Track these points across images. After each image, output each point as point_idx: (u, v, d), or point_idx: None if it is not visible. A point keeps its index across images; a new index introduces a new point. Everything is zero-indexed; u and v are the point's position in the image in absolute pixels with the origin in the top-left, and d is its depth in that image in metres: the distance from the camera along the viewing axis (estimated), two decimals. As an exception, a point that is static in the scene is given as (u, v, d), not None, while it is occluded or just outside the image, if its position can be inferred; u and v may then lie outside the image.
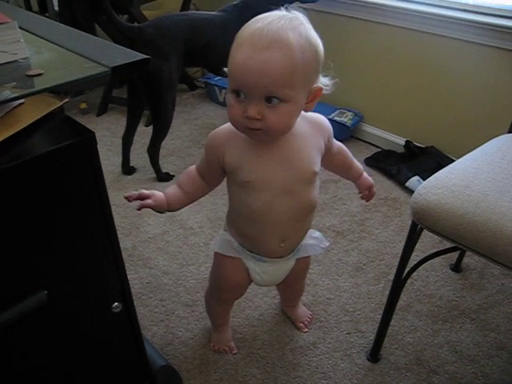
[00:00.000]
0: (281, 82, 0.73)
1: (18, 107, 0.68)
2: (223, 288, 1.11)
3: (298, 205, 0.91)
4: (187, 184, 0.96)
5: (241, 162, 0.86)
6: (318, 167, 0.89)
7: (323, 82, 0.82)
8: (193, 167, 0.97)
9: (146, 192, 0.92)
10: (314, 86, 0.80)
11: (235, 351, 1.19)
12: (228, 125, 0.85)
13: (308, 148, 0.88)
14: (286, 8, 0.79)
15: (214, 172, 0.92)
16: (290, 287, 1.20)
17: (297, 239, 1.00)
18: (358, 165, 1.08)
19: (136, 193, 0.92)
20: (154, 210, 0.95)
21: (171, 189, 0.96)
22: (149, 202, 0.92)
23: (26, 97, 0.60)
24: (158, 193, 0.93)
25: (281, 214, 0.90)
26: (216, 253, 1.05)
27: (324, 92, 0.82)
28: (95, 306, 0.83)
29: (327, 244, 1.09)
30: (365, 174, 1.09)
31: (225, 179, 0.94)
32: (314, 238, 1.06)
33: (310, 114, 0.90)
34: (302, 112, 0.84)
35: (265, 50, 0.71)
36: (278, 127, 0.78)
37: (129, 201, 0.92)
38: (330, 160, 0.98)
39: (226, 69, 0.81)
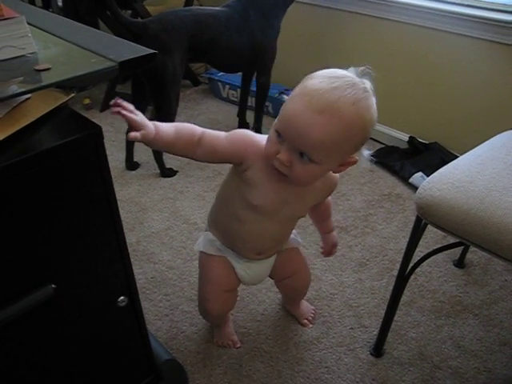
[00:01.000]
0: (317, 149, 0.76)
1: (24, 102, 0.69)
2: (212, 297, 1.09)
3: (281, 232, 1.01)
4: (184, 135, 0.84)
5: (258, 183, 0.88)
6: (305, 214, 0.99)
7: (363, 153, 0.84)
8: (199, 129, 0.86)
9: (137, 121, 0.78)
10: (351, 156, 0.83)
11: (238, 345, 1.20)
12: (264, 139, 0.86)
13: (312, 199, 0.95)
14: (358, 72, 0.81)
15: (221, 158, 0.88)
16: (290, 294, 1.23)
17: (272, 252, 1.07)
18: (332, 222, 1.13)
19: (127, 107, 0.79)
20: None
21: (166, 127, 0.82)
22: (138, 136, 0.78)
23: (33, 91, 0.60)
24: (150, 127, 0.79)
25: (264, 237, 0.99)
26: (201, 252, 1.08)
27: (358, 163, 0.85)
28: (101, 300, 0.84)
29: (300, 241, 1.14)
30: (334, 232, 1.14)
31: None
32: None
33: (331, 175, 0.92)
34: None
35: (316, 113, 0.73)
36: (301, 180, 0.83)
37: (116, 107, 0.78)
38: (315, 205, 1.02)
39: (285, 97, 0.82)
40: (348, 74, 0.79)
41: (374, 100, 0.80)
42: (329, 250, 1.15)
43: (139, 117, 0.78)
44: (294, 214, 0.96)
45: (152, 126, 0.79)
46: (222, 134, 0.88)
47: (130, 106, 0.78)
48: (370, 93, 0.79)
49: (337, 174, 0.93)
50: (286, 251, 1.10)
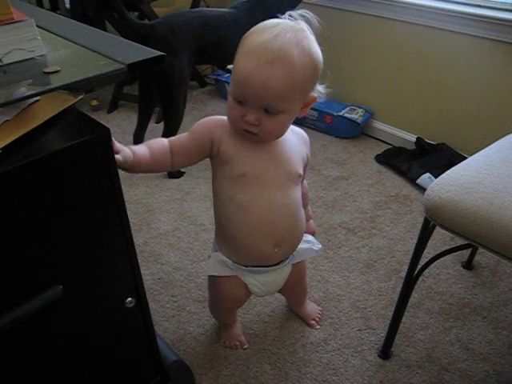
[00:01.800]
0: (280, 97, 0.78)
1: (33, 104, 0.69)
2: (224, 305, 1.13)
3: (287, 202, 0.92)
4: (158, 152, 0.88)
5: (235, 153, 0.88)
6: (301, 171, 0.96)
7: (318, 89, 0.87)
8: (165, 140, 0.90)
9: (116, 145, 0.80)
10: (310, 95, 0.85)
11: (246, 346, 1.20)
12: (222, 117, 0.89)
13: (295, 154, 0.94)
14: (291, 16, 0.82)
15: (196, 153, 0.90)
16: (292, 291, 1.20)
17: (291, 244, 1.00)
18: (309, 210, 1.13)
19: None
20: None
21: (140, 150, 0.85)
22: (117, 156, 0.79)
23: (42, 94, 0.61)
24: (127, 150, 0.82)
25: (272, 211, 0.91)
26: (211, 276, 1.06)
27: (318, 100, 0.88)
28: (109, 301, 0.84)
29: (320, 246, 1.10)
30: (312, 221, 1.15)
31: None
32: (307, 242, 1.07)
33: (297, 128, 0.98)
34: (291, 125, 0.89)
35: (269, 65, 0.75)
36: (273, 134, 0.86)
37: None
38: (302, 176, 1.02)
39: (230, 66, 0.84)
40: (281, 20, 0.81)
41: (313, 37, 0.82)
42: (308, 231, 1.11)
43: (123, 152, 0.81)
44: (289, 168, 0.91)
45: (128, 150, 0.82)
46: (185, 133, 0.92)
47: (115, 146, 0.80)
48: (307, 31, 0.81)
49: (304, 133, 0.98)
50: (298, 263, 1.06)
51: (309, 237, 1.08)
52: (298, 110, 0.85)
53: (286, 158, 0.91)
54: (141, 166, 0.85)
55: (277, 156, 0.90)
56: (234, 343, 1.20)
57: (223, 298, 1.09)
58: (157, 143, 0.89)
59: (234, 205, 0.91)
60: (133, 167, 0.83)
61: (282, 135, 0.88)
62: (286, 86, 0.77)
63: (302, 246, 1.04)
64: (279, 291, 1.19)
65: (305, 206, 1.06)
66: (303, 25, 0.81)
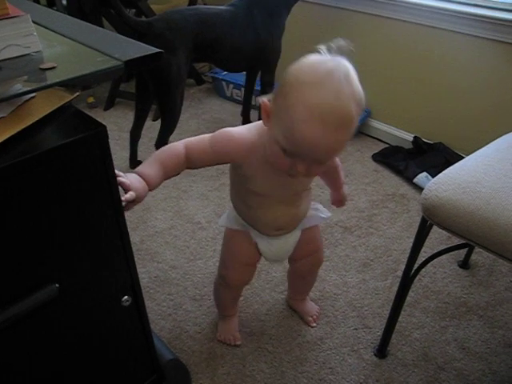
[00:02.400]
0: (340, 153, 0.79)
1: (29, 101, 0.68)
2: (232, 266, 1.12)
3: (290, 207, 1.00)
4: (173, 168, 0.87)
5: (252, 175, 0.91)
6: (310, 185, 1.00)
7: None
8: (181, 147, 0.88)
9: (124, 182, 0.78)
10: None
11: (239, 342, 1.20)
12: (249, 135, 0.87)
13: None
14: (330, 49, 0.78)
15: (214, 164, 0.91)
16: (308, 274, 1.22)
17: (292, 227, 1.06)
18: (342, 178, 1.11)
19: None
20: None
21: (152, 170, 0.84)
22: (127, 196, 0.79)
23: (38, 90, 0.60)
24: (136, 182, 0.80)
25: (277, 216, 0.99)
26: (226, 228, 1.10)
27: None
28: (105, 300, 0.84)
29: (329, 215, 1.12)
30: (345, 186, 1.14)
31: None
32: (315, 210, 1.10)
33: None
34: None
35: (334, 131, 0.72)
36: (316, 175, 0.87)
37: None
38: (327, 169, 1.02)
39: (263, 99, 0.79)
40: (330, 61, 0.76)
41: (354, 72, 0.77)
42: (339, 200, 1.15)
43: (133, 186, 0.79)
44: (297, 189, 0.97)
45: (141, 186, 0.79)
46: (206, 140, 0.89)
47: (123, 183, 0.78)
48: (353, 72, 0.76)
49: None
50: (309, 229, 1.09)
51: (317, 205, 1.11)
52: None
53: (297, 183, 0.94)
54: (158, 183, 0.84)
55: (288, 181, 0.90)
56: (228, 337, 1.20)
57: (234, 252, 1.10)
58: (168, 152, 0.88)
59: (240, 199, 1.01)
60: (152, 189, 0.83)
61: None
62: (346, 143, 0.77)
63: (311, 212, 1.08)
64: (290, 274, 1.25)
65: (338, 189, 1.12)
66: (349, 65, 0.77)
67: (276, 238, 1.06)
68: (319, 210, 1.11)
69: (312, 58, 0.78)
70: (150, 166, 0.84)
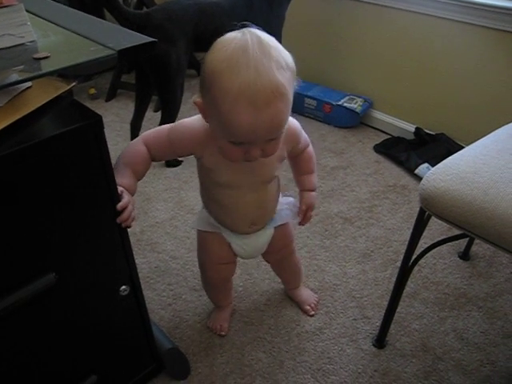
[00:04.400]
0: (283, 125, 0.76)
1: (25, 91, 0.69)
2: (209, 267, 1.12)
3: (260, 198, 0.98)
4: (142, 170, 0.90)
5: (214, 165, 0.90)
6: (278, 171, 0.96)
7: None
8: (140, 144, 0.89)
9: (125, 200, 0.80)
10: None
11: (224, 333, 1.20)
12: (204, 124, 0.84)
13: (272, 159, 0.90)
14: (241, 27, 0.75)
15: (177, 155, 0.94)
16: (283, 264, 1.21)
17: (265, 219, 1.05)
18: (315, 181, 1.07)
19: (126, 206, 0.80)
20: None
21: (128, 178, 0.85)
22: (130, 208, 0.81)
23: (32, 79, 0.60)
24: (128, 196, 0.82)
25: (245, 206, 0.97)
26: (198, 230, 1.09)
27: None
28: (103, 289, 0.84)
29: (296, 210, 1.07)
30: (314, 193, 1.06)
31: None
32: (287, 204, 1.08)
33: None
34: None
35: (267, 107, 0.70)
36: (273, 153, 0.83)
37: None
38: (295, 154, 1.01)
39: (195, 100, 0.79)
40: (239, 39, 0.73)
41: (272, 39, 0.74)
42: (302, 210, 1.04)
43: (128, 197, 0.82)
44: (263, 177, 0.94)
45: (125, 198, 0.80)
46: (165, 133, 0.89)
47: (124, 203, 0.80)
48: (268, 40, 0.73)
49: (290, 123, 0.90)
50: (281, 226, 1.07)
51: (289, 199, 1.09)
52: None
53: (259, 167, 0.90)
54: (135, 186, 0.87)
55: (252, 167, 0.89)
56: (215, 326, 1.21)
57: (207, 256, 1.10)
58: (136, 157, 0.88)
59: (210, 197, 0.99)
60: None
61: None
62: (286, 112, 0.75)
63: (282, 208, 1.07)
64: (273, 267, 1.24)
65: (308, 172, 1.05)
66: (261, 34, 0.74)
67: (249, 237, 1.04)
68: (292, 204, 1.08)
69: (220, 41, 0.75)
70: (123, 174, 0.85)
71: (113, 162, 0.76)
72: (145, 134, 0.91)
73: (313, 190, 1.06)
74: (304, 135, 0.99)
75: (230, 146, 0.79)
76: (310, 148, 1.03)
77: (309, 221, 1.07)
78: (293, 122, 0.93)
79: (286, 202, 1.08)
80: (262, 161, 0.87)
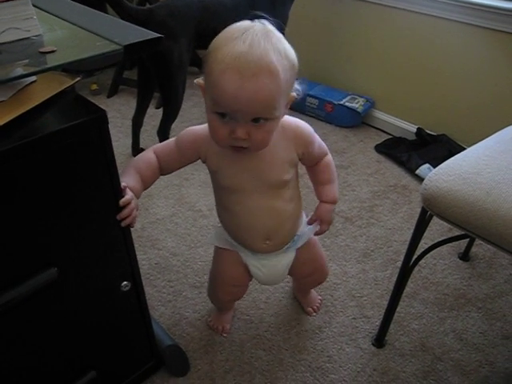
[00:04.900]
0: (269, 105, 0.76)
1: (30, 85, 0.69)
2: (222, 286, 1.11)
3: (271, 205, 0.94)
4: (150, 177, 0.91)
5: (218, 168, 0.91)
6: (288, 175, 0.92)
7: (295, 87, 0.84)
8: (151, 154, 0.91)
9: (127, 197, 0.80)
10: (290, 95, 0.83)
11: (226, 334, 1.20)
12: (206, 127, 0.86)
13: (278, 161, 0.90)
14: (253, 19, 0.78)
15: (185, 163, 0.94)
16: (307, 278, 1.17)
17: (283, 238, 1.00)
18: (334, 192, 1.01)
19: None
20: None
21: (134, 181, 0.87)
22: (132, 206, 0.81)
23: (38, 73, 0.60)
24: (131, 193, 0.83)
25: (256, 213, 0.94)
26: (215, 247, 1.08)
27: (296, 97, 0.85)
28: (104, 285, 0.84)
29: (315, 227, 1.03)
30: (330, 205, 1.01)
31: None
32: (305, 225, 1.04)
33: (288, 122, 0.90)
34: (287, 120, 0.89)
35: (253, 78, 0.71)
36: (263, 143, 0.82)
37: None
38: (311, 162, 0.99)
39: (197, 80, 0.81)
40: (247, 24, 0.77)
41: (282, 36, 0.78)
42: (312, 220, 1.01)
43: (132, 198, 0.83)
44: (271, 179, 0.91)
45: (128, 194, 0.81)
46: (172, 142, 0.92)
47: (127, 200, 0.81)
48: (275, 31, 0.78)
49: (301, 126, 0.91)
50: (304, 247, 1.04)
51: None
52: (283, 113, 0.83)
53: (266, 169, 0.89)
54: (140, 191, 0.88)
55: (256, 168, 0.89)
56: (217, 326, 1.21)
57: (221, 274, 1.08)
58: (141, 161, 0.91)
59: (222, 205, 0.98)
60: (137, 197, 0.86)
61: (268, 143, 0.83)
62: (274, 95, 0.75)
63: (304, 229, 1.04)
64: (294, 280, 1.23)
65: (327, 182, 1.00)
66: (270, 26, 0.78)
67: (267, 258, 1.02)
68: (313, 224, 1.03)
69: (230, 26, 0.79)
70: (131, 176, 0.87)
71: (116, 158, 0.76)
72: (154, 146, 0.94)
73: (330, 202, 1.01)
74: (319, 142, 0.96)
75: (216, 121, 0.79)
76: (328, 157, 1.00)
77: (320, 234, 1.03)
78: (304, 125, 0.92)
79: (304, 222, 1.04)
80: (265, 160, 0.87)
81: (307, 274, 1.12)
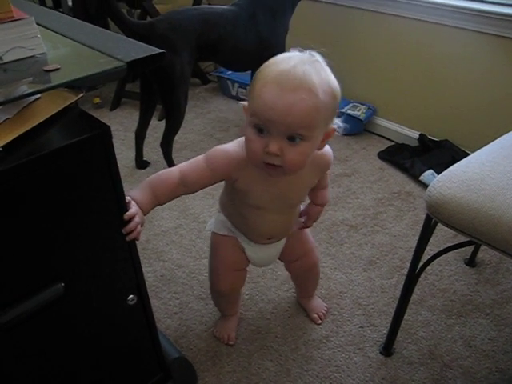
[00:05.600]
0: (305, 122, 0.77)
1: (34, 102, 0.69)
2: (221, 272, 1.12)
3: (286, 220, 1.04)
4: (165, 194, 0.90)
5: (248, 189, 0.93)
6: (304, 198, 1.02)
7: (336, 122, 0.86)
8: (175, 173, 0.90)
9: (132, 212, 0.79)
10: (330, 126, 0.85)
11: (232, 342, 1.20)
12: (240, 150, 0.87)
13: (303, 186, 0.98)
14: (303, 51, 0.82)
15: (214, 182, 0.93)
16: (306, 274, 1.22)
17: (283, 236, 1.09)
18: (327, 196, 1.11)
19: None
20: None
21: (143, 195, 0.86)
22: (137, 223, 0.80)
23: (42, 92, 0.61)
24: (136, 207, 0.82)
25: (271, 226, 1.02)
26: (212, 233, 1.11)
27: (336, 133, 0.87)
28: (111, 299, 0.84)
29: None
30: (323, 208, 1.12)
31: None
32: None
33: (323, 153, 0.94)
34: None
35: (292, 92, 0.74)
36: (296, 165, 0.82)
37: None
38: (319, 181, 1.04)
39: (242, 103, 0.84)
40: (295, 53, 0.82)
41: (329, 69, 0.82)
42: (310, 217, 1.11)
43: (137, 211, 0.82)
44: (292, 202, 1.00)
45: (133, 208, 0.80)
46: (201, 161, 0.91)
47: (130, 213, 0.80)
48: (322, 62, 0.81)
49: (326, 152, 0.95)
50: (294, 233, 1.11)
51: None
52: (320, 141, 0.84)
53: (291, 194, 0.95)
54: (150, 209, 0.88)
55: (282, 192, 0.93)
56: (223, 335, 1.21)
57: (223, 259, 1.11)
58: (160, 178, 0.89)
59: (236, 209, 1.02)
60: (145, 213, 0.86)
61: (303, 166, 0.84)
62: (311, 112, 0.76)
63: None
64: (290, 273, 1.26)
65: (322, 188, 1.07)
66: (318, 56, 0.81)
67: (263, 245, 1.08)
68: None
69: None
70: (141, 191, 0.87)
71: (119, 170, 0.76)
72: (181, 164, 0.93)
73: (323, 205, 1.11)
74: None
75: (253, 134, 0.80)
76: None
77: (306, 228, 1.14)
78: (330, 151, 0.97)
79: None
80: (293, 185, 0.92)
81: (297, 257, 1.17)
